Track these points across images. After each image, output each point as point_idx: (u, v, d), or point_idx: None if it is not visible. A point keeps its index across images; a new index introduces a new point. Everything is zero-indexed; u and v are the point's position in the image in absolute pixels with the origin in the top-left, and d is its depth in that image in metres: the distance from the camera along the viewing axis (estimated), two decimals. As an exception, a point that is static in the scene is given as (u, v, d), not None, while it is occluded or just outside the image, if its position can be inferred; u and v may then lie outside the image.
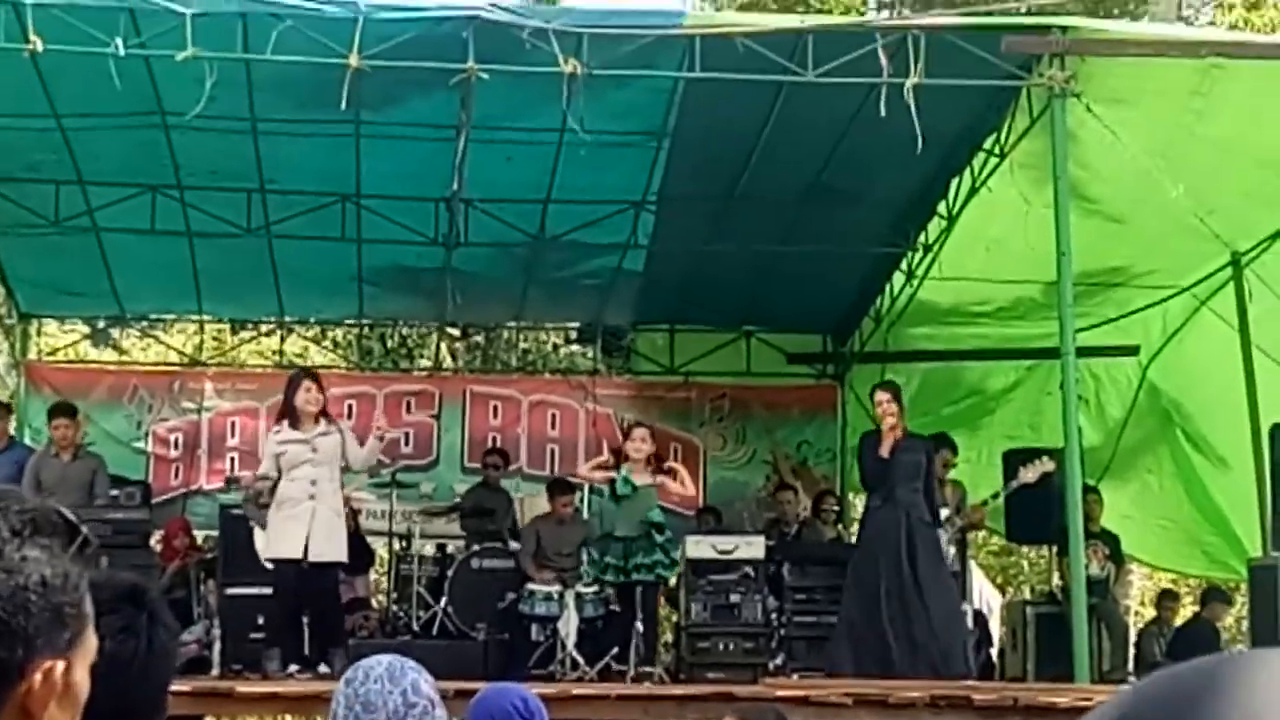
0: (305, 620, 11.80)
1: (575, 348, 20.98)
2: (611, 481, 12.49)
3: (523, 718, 4.42)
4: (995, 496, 13.58)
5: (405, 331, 21.97)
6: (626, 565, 12.25)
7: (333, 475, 11.71)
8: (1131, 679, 14.00)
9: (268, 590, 12.07)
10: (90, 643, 1.76)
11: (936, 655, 11.46)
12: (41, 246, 15.11)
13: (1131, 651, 15.16)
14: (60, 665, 1.70)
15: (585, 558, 13.30)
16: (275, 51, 10.83)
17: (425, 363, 20.81)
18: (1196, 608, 17.60)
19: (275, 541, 11.67)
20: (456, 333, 20.80)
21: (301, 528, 11.44)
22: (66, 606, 1.71)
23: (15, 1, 10.53)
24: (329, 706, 3.72)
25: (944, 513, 12.87)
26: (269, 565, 11.95)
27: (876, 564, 11.78)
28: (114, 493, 13.84)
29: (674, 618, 15.06)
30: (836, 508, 16.15)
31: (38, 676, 1.67)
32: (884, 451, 11.91)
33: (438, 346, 20.42)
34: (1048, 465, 12.69)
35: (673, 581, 13.77)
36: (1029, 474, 12.78)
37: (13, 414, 14.95)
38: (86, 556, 1.77)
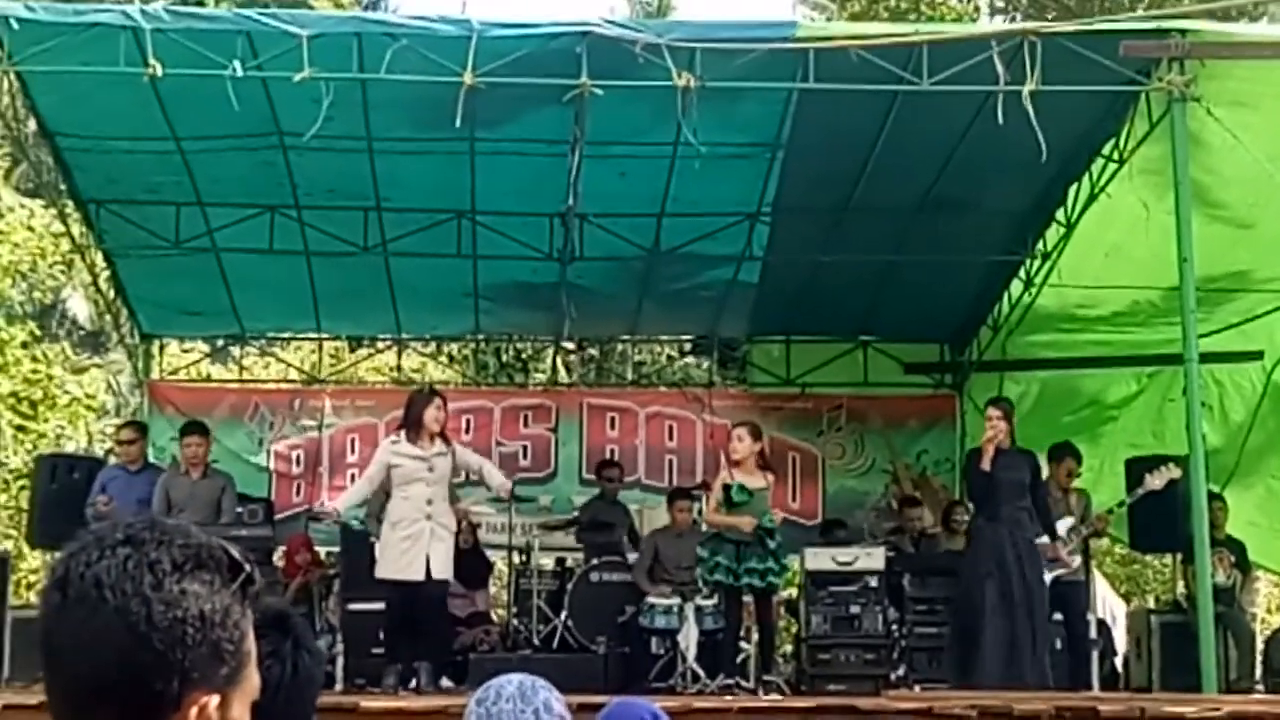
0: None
1: (690, 360, 20.99)
2: (725, 492, 12.40)
3: None
4: (1121, 504, 13.42)
5: (520, 346, 22.07)
6: (738, 569, 12.17)
7: (445, 494, 11.76)
8: (1259, 689, 13.82)
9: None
10: (252, 681, 1.77)
11: (1038, 670, 11.41)
12: (162, 268, 15.31)
13: (1259, 660, 14.95)
14: (214, 700, 1.70)
15: (696, 560, 13.21)
16: (390, 71, 10.91)
17: (541, 376, 20.89)
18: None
19: (391, 562, 11.68)
20: (572, 346, 20.86)
21: (420, 549, 11.48)
22: (225, 642, 1.72)
23: (135, 26, 10.68)
24: (458, 725, 3.73)
25: (1069, 521, 12.74)
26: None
27: (982, 582, 11.72)
28: (238, 510, 13.97)
29: (794, 629, 15.02)
30: (965, 517, 16.02)
31: (193, 710, 1.68)
32: (985, 465, 11.86)
33: (554, 360, 20.49)
34: (1174, 472, 12.54)
35: (784, 591, 13.72)
36: (1156, 480, 12.63)
37: (147, 434, 15.12)
38: (250, 594, 1.78)
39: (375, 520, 12.80)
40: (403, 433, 11.86)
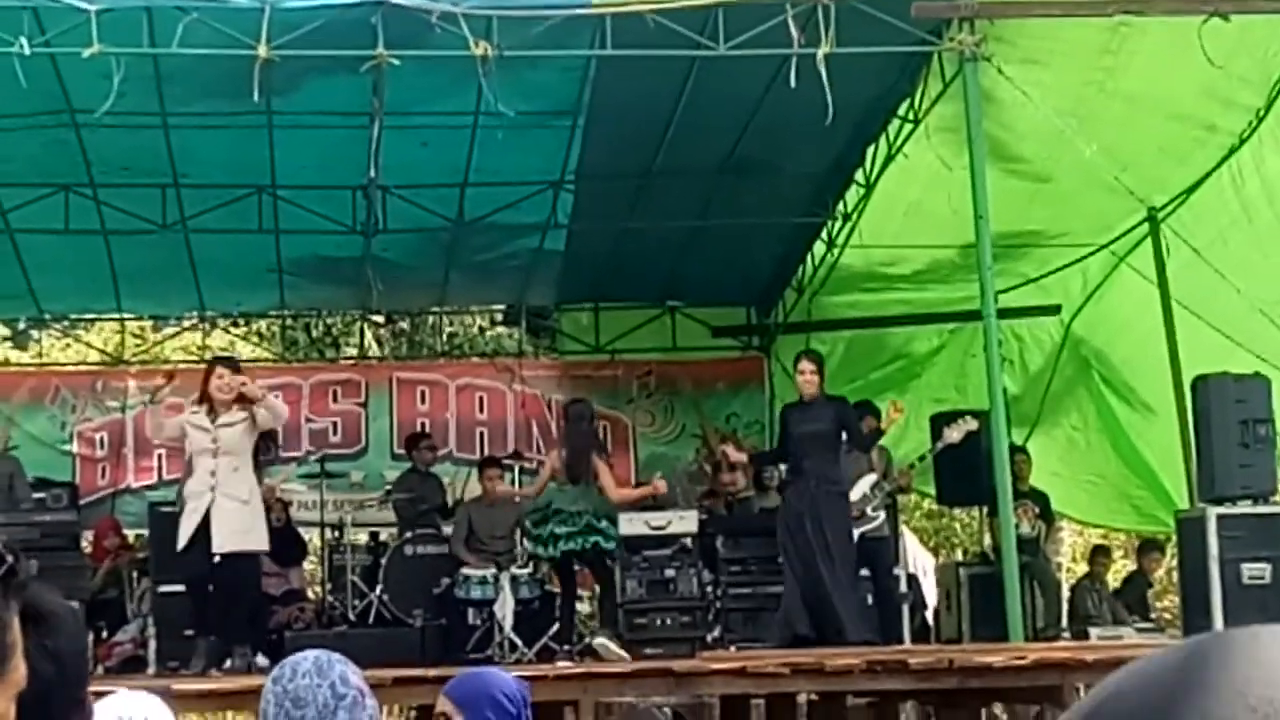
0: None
1: (502, 330, 20.94)
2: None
3: (515, 704, 4.35)
4: (922, 459, 13.64)
5: (329, 321, 21.87)
6: (589, 535, 12.40)
7: (236, 465, 11.49)
8: (1065, 635, 14.14)
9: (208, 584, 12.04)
10: (18, 672, 1.74)
11: (845, 624, 11.55)
12: (-45, 251, 14.98)
13: (1065, 608, 15.30)
14: None
15: (527, 534, 13.24)
16: (182, 44, 10.71)
17: (351, 351, 20.74)
18: (1128, 561, 17.77)
19: (181, 537, 11.45)
20: (381, 320, 20.72)
21: (197, 520, 11.26)
22: None
23: (-85, 5, 10.41)
24: (260, 704, 3.71)
25: (872, 478, 12.92)
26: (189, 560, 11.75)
27: (783, 540, 11.89)
28: (40, 495, 13.72)
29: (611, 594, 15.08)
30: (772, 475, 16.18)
31: None
32: (798, 420, 12.04)
33: (362, 334, 20.35)
34: (971, 425, 12.76)
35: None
36: (953, 434, 12.84)
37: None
38: (13, 586, 1.75)
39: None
40: (202, 406, 11.64)
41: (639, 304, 17.70)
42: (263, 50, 10.44)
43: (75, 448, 16.81)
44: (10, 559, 1.76)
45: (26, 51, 10.41)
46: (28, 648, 1.80)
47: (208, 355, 18.42)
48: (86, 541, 14.43)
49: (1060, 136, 11.74)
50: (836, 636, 11.28)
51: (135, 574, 13.99)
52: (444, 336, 20.61)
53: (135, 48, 10.78)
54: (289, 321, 19.85)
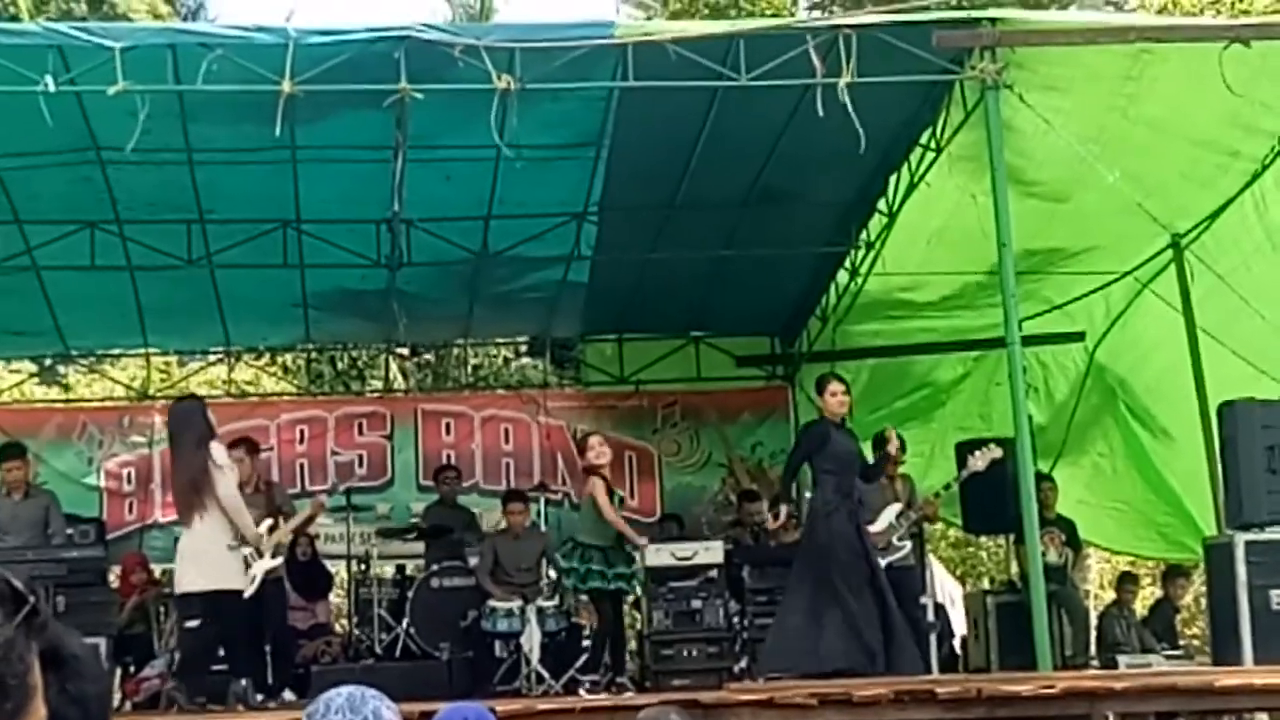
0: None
1: (526, 361, 20.99)
2: (610, 493, 12.54)
3: None
4: (947, 487, 13.58)
5: (355, 354, 21.93)
6: (608, 573, 12.32)
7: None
8: (1093, 663, 14.09)
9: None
10: (38, 715, 1.75)
11: (901, 654, 11.46)
12: (-19, 288, 15.02)
13: (1094, 635, 15.24)
14: None
15: (555, 565, 13.22)
16: (207, 81, 10.74)
17: (376, 384, 20.77)
18: (1155, 588, 17.69)
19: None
20: (406, 352, 20.77)
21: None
22: (9, 677, 1.70)
23: (-59, 44, 10.47)
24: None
25: (896, 507, 12.88)
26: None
27: (842, 565, 11.64)
28: (68, 531, 13.73)
29: (636, 626, 15.08)
30: (795, 513, 16.15)
31: None
32: (842, 439, 11.88)
33: (387, 367, 20.39)
34: (995, 452, 12.75)
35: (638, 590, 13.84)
36: (978, 462, 12.81)
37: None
38: (35, 625, 1.75)
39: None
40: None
41: (663, 334, 17.72)
42: (287, 85, 10.48)
43: (102, 483, 16.86)
44: (32, 599, 1.77)
45: (52, 89, 10.46)
46: (49, 691, 1.81)
47: (233, 390, 18.53)
48: (113, 577, 14.43)
49: (1081, 163, 11.72)
50: (887, 668, 11.16)
51: (162, 609, 14.00)
52: (468, 368, 20.67)
53: (160, 84, 10.83)
54: (314, 355, 19.91)
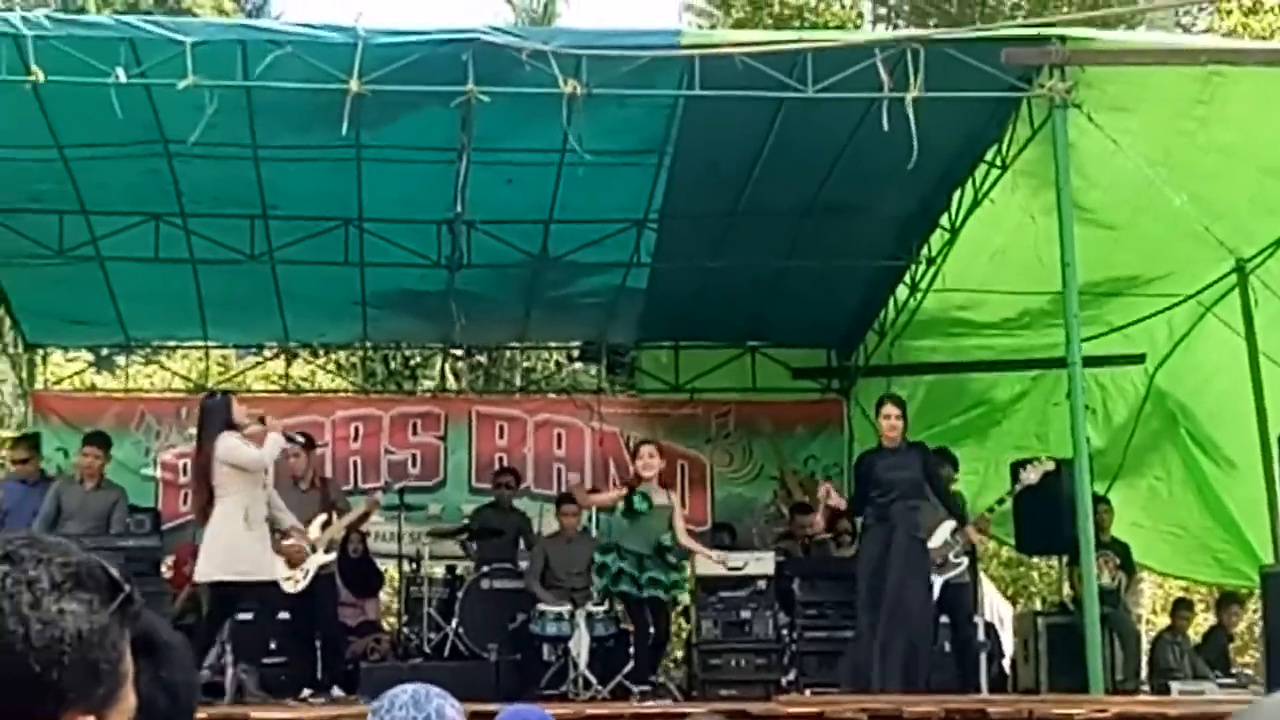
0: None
1: (579, 366, 21.00)
2: (628, 498, 12.48)
3: None
4: (1000, 503, 13.50)
5: (409, 353, 21.98)
6: (640, 578, 12.24)
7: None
8: (1144, 689, 14.00)
9: (284, 614, 12.15)
10: (128, 701, 1.76)
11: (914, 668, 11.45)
12: (46, 277, 15.11)
13: (1144, 660, 15.15)
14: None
15: (591, 563, 13.20)
16: (275, 78, 10.83)
17: (430, 384, 20.81)
18: (1208, 615, 17.58)
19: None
20: (460, 353, 20.81)
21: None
22: (103, 662, 1.71)
23: (16, 34, 10.54)
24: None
25: (950, 524, 12.80)
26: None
27: (862, 583, 11.73)
28: (125, 520, 13.82)
29: (685, 634, 15.06)
30: (849, 529, 16.09)
31: None
32: (885, 466, 11.88)
33: (442, 367, 20.45)
34: (1048, 465, 12.66)
35: (685, 600, 13.79)
36: (1031, 475, 12.71)
37: (40, 449, 14.97)
38: (130, 613, 1.77)
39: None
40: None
41: (719, 343, 17.68)
42: (354, 84, 10.54)
43: (158, 474, 16.95)
44: (127, 588, 1.78)
45: (122, 81, 10.54)
46: (140, 678, 1.82)
47: (290, 385, 18.60)
48: (167, 567, 14.50)
49: (1146, 185, 11.65)
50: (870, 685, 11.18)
51: (214, 601, 14.05)
52: (522, 371, 20.68)
53: (228, 80, 10.89)
54: (370, 353, 19.97)
